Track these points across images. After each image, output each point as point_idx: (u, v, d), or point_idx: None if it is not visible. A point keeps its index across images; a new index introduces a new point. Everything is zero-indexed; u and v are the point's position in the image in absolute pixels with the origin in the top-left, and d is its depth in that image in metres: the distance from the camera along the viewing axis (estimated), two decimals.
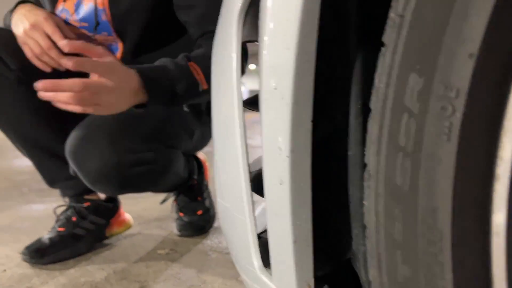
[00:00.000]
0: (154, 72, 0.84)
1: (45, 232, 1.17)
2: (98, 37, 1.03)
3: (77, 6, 1.01)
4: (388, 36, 0.27)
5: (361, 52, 0.37)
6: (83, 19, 1.01)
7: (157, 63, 0.87)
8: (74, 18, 1.01)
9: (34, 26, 0.87)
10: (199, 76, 0.87)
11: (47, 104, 0.79)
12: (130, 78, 0.80)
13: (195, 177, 1.30)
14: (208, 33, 0.94)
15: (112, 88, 0.76)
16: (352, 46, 0.37)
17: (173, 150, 1.08)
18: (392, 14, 0.27)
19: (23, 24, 0.88)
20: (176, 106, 0.90)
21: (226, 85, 0.41)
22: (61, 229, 1.12)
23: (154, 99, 0.83)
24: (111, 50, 1.05)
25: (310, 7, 0.31)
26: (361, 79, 0.36)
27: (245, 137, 0.40)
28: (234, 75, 0.40)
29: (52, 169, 1.11)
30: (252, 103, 0.39)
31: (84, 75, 0.77)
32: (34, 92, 0.76)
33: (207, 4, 0.94)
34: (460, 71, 0.23)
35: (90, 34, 1.02)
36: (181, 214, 1.30)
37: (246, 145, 0.40)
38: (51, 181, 1.15)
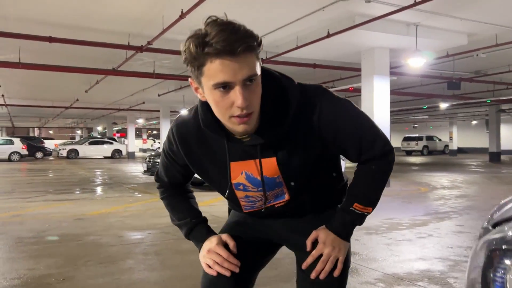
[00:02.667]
0: (344, 226, 1.25)
1: None
2: (270, 193, 1.26)
3: (249, 179, 1.24)
4: None
5: None
6: (260, 186, 1.24)
7: (338, 218, 1.26)
8: (251, 187, 1.25)
9: (209, 251, 1.26)
10: (366, 209, 1.25)
11: None
12: (340, 243, 1.24)
13: None
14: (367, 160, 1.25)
15: (342, 254, 1.25)
16: None
17: None
18: None
19: (203, 251, 1.28)
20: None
21: None
22: None
23: (348, 239, 1.28)
24: (278, 198, 1.28)
25: None
26: None
27: None
28: None
29: None
30: None
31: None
32: None
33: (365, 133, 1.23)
34: None
35: (267, 193, 1.26)
36: None
37: None
38: None
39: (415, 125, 37.28)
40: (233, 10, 6.11)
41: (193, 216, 1.35)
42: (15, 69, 10.23)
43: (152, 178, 10.85)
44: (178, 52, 6.88)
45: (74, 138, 50.27)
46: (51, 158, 26.91)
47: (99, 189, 9.44)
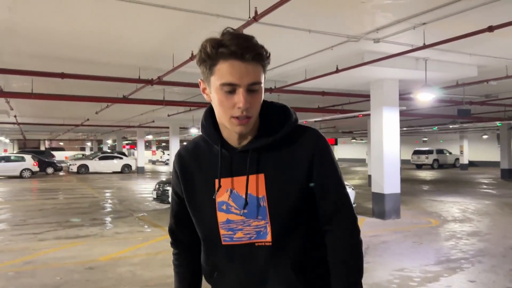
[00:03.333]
0: None
1: None
2: (253, 222, 1.23)
3: (234, 197, 1.25)
4: None
5: None
6: (243, 207, 1.24)
7: None
8: (234, 207, 1.25)
9: None
10: (360, 274, 1.26)
11: None
12: None
13: None
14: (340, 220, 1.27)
15: None
16: None
17: None
18: None
19: None
20: None
21: None
22: None
23: None
24: (260, 236, 1.23)
25: None
26: None
27: None
28: None
29: None
30: None
31: None
32: None
33: (338, 191, 1.28)
34: None
35: (247, 219, 1.23)
36: None
37: None
38: None
39: (425, 139, 36.99)
40: None
41: None
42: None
43: (161, 206, 10.90)
44: (187, 84, 7.03)
45: (84, 150, 50.74)
46: (61, 173, 27.15)
47: (108, 220, 9.49)
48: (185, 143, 1.38)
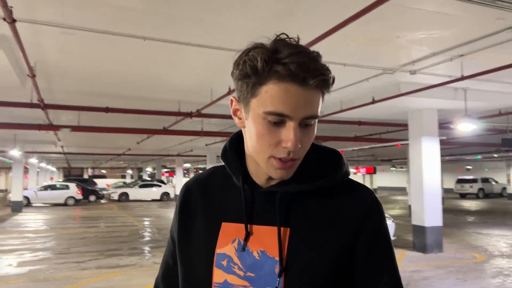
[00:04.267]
0: None
1: None
2: None
3: (241, 252, 0.91)
4: None
5: None
6: (250, 268, 0.89)
7: None
8: (237, 267, 0.90)
9: None
10: None
11: None
12: None
13: None
14: None
15: None
16: None
17: None
18: None
19: None
20: None
21: None
22: None
23: None
24: None
25: None
26: None
27: None
28: None
29: None
30: None
31: None
32: None
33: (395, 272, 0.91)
34: None
35: (251, 286, 0.89)
36: None
37: None
38: None
39: (469, 167, 35.60)
40: None
41: None
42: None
43: None
44: (224, 116, 7.22)
45: (125, 177, 52.29)
46: (103, 201, 28.02)
47: (147, 249, 9.68)
48: (196, 174, 1.08)
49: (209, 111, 8.79)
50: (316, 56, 0.83)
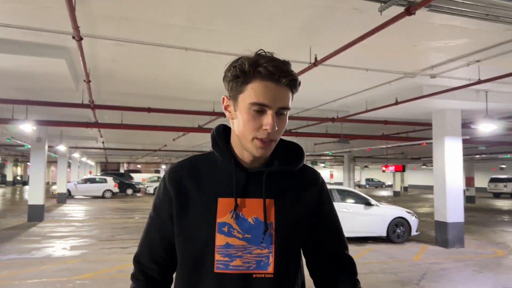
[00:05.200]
0: None
1: None
2: (255, 250, 1.15)
3: (238, 219, 1.15)
4: None
5: None
6: (247, 231, 1.16)
7: None
8: (237, 231, 1.15)
9: None
10: None
11: None
12: None
13: None
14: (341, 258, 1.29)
15: None
16: None
17: None
18: None
19: None
20: None
21: None
22: None
23: None
24: (260, 267, 1.15)
25: None
26: None
27: None
28: None
29: None
30: None
31: None
32: None
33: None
34: None
35: (249, 245, 1.15)
36: None
37: None
38: None
39: (503, 166, 34.82)
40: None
41: None
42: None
43: None
44: None
45: (159, 172, 53.82)
46: (139, 194, 29.29)
47: None
48: (179, 162, 1.29)
49: None
50: (287, 63, 1.13)
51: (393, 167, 25.30)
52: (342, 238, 1.31)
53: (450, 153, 9.19)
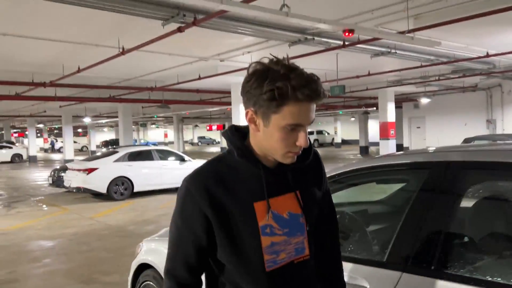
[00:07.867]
0: None
1: None
2: (293, 240, 1.27)
3: (276, 218, 1.24)
4: None
5: None
6: (285, 226, 1.26)
7: None
8: (277, 228, 1.24)
9: None
10: None
11: None
12: None
13: None
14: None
15: None
16: None
17: None
18: None
19: None
20: None
21: None
22: None
23: None
24: (298, 252, 1.28)
25: None
26: None
27: None
28: None
29: None
30: None
31: None
32: None
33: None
34: None
35: (289, 238, 1.26)
36: None
37: None
38: None
39: None
40: None
41: None
42: None
43: (56, 190, 12.28)
44: (75, 85, 9.24)
45: None
46: None
47: (10, 204, 10.78)
48: (197, 170, 1.27)
49: (62, 81, 10.23)
50: (319, 82, 1.14)
51: (216, 126, 28.27)
52: (333, 207, 1.51)
53: (243, 115, 11.69)
